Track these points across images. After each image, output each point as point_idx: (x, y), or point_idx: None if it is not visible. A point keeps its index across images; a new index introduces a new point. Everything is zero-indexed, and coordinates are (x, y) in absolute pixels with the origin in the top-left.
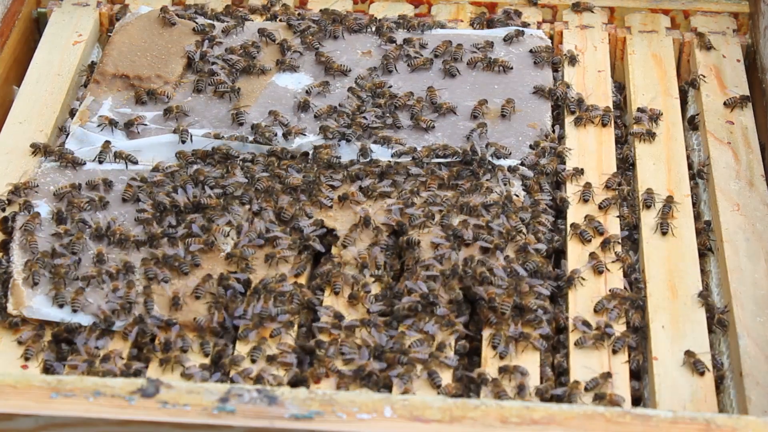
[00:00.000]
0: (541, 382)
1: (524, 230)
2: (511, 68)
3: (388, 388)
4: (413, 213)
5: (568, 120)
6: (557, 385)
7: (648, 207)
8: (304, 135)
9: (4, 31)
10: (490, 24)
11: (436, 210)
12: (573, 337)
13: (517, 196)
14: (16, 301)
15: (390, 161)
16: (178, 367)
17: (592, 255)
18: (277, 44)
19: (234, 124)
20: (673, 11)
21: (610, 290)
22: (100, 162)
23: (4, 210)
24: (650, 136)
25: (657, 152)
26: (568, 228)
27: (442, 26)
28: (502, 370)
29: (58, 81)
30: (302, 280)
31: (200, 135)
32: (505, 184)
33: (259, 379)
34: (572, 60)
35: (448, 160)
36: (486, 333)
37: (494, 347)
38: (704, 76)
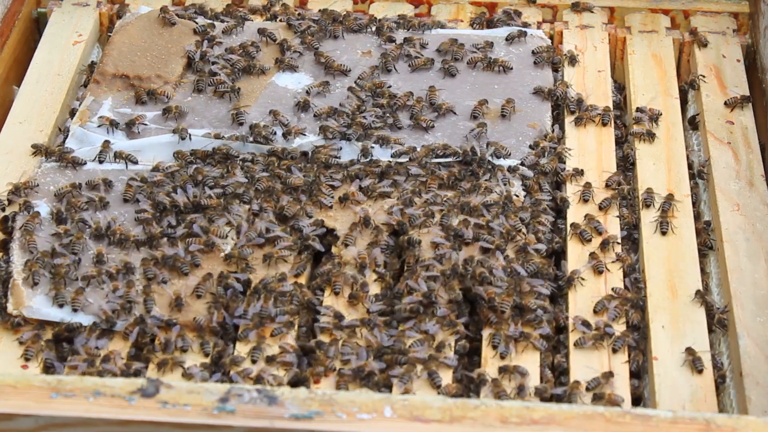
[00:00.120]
0: (541, 382)
1: (524, 230)
2: (511, 68)
3: (389, 388)
4: (413, 213)
5: (568, 120)
6: (557, 385)
7: (648, 206)
8: (304, 135)
9: (4, 31)
10: (491, 24)
11: (437, 209)
12: (573, 337)
13: (517, 196)
14: (16, 301)
15: (390, 161)
16: (176, 369)
17: (592, 255)
18: (277, 44)
19: (234, 124)
20: (673, 11)
21: (612, 289)
22: (101, 162)
23: (3, 210)
24: (650, 136)
25: (657, 152)
26: (568, 228)
27: (442, 26)
28: (502, 370)
29: (58, 81)
30: (302, 280)
31: (200, 135)
32: (505, 184)
33: (259, 379)
34: (572, 60)
35: (448, 160)
36: (486, 333)
37: (494, 347)
38: (704, 76)
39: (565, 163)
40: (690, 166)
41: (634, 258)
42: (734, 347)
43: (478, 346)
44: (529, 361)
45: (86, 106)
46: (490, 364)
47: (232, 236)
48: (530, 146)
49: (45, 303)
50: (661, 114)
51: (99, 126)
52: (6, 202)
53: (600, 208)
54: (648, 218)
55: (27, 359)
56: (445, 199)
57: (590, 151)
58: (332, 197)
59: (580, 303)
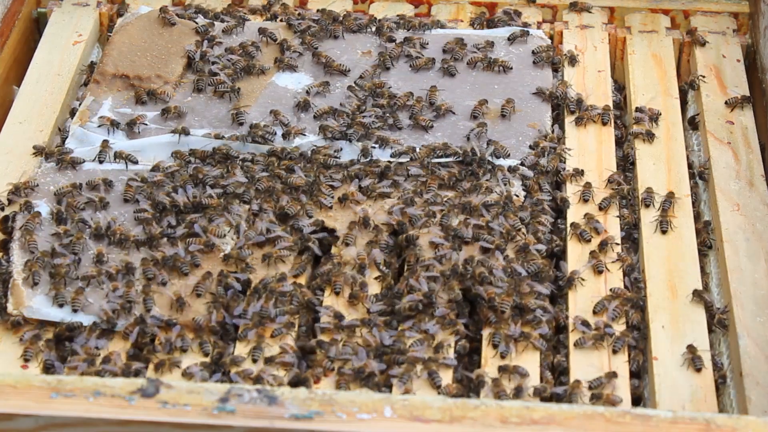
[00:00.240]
0: (541, 382)
1: (524, 230)
2: (511, 68)
3: (389, 388)
4: (414, 213)
5: (569, 120)
6: (557, 385)
7: (647, 206)
8: (304, 135)
9: (4, 31)
10: (491, 24)
11: (437, 209)
12: (573, 338)
13: (517, 196)
14: (16, 301)
15: (390, 161)
16: (174, 370)
17: (592, 254)
18: (277, 44)
19: (234, 124)
20: (673, 11)
21: (610, 290)
22: (101, 162)
23: (2, 209)
24: (649, 137)
25: (657, 152)
26: (568, 228)
27: (442, 26)
28: (502, 369)
29: (58, 81)
30: (302, 280)
31: (200, 135)
32: (505, 184)
33: (259, 379)
34: (572, 60)
35: (448, 159)
36: (486, 332)
37: (494, 346)
38: (704, 77)
39: (565, 162)
40: (690, 166)
41: (634, 258)
42: (734, 347)
43: (478, 346)
44: (529, 361)
45: (86, 106)
46: (490, 364)
47: (232, 236)
48: (530, 146)
49: (45, 303)
50: (660, 114)
51: (99, 126)
52: (6, 202)
53: (600, 208)
54: (648, 218)
55: (27, 360)
56: (445, 199)
57: (590, 151)
58: (332, 197)
59: (581, 303)
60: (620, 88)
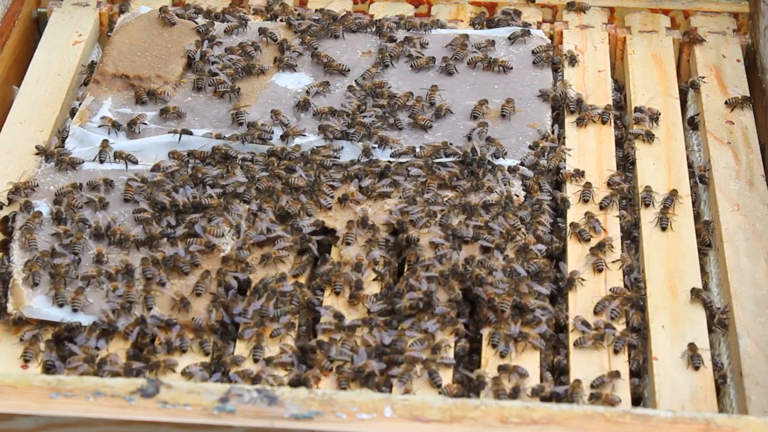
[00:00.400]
0: (541, 382)
1: (524, 230)
2: (511, 68)
3: (389, 388)
4: (414, 212)
5: (569, 120)
6: (557, 385)
7: (647, 205)
8: (304, 135)
9: (4, 31)
10: (491, 24)
11: (438, 209)
12: (573, 337)
13: (517, 196)
14: (16, 301)
15: (389, 161)
16: (168, 372)
17: (592, 251)
18: (277, 44)
19: (234, 124)
20: (673, 11)
21: (610, 290)
22: (101, 162)
23: (1, 208)
24: (649, 137)
25: (657, 152)
26: (568, 228)
27: (442, 26)
28: (502, 368)
29: (58, 81)
30: (302, 280)
31: (200, 135)
32: (505, 184)
33: (258, 379)
34: (572, 60)
35: (448, 159)
36: (485, 332)
37: (494, 346)
38: (704, 77)
39: (565, 162)
40: (690, 166)
41: (635, 258)
42: (734, 347)
43: (478, 346)
44: (529, 361)
45: (86, 106)
46: (490, 364)
47: (232, 236)
48: (530, 146)
49: (45, 303)
50: (660, 114)
51: (100, 126)
52: (6, 202)
53: (600, 208)
54: (648, 217)
55: (26, 360)
56: (445, 199)
57: (590, 151)
58: (332, 197)
59: (581, 303)
60: (620, 88)
